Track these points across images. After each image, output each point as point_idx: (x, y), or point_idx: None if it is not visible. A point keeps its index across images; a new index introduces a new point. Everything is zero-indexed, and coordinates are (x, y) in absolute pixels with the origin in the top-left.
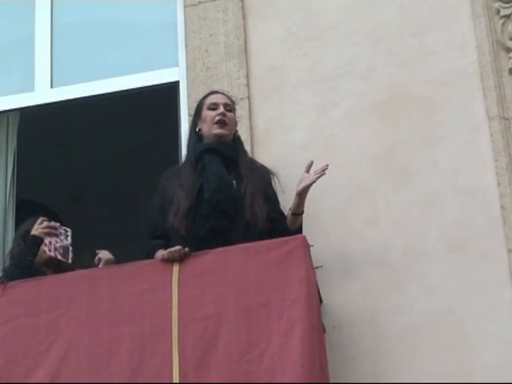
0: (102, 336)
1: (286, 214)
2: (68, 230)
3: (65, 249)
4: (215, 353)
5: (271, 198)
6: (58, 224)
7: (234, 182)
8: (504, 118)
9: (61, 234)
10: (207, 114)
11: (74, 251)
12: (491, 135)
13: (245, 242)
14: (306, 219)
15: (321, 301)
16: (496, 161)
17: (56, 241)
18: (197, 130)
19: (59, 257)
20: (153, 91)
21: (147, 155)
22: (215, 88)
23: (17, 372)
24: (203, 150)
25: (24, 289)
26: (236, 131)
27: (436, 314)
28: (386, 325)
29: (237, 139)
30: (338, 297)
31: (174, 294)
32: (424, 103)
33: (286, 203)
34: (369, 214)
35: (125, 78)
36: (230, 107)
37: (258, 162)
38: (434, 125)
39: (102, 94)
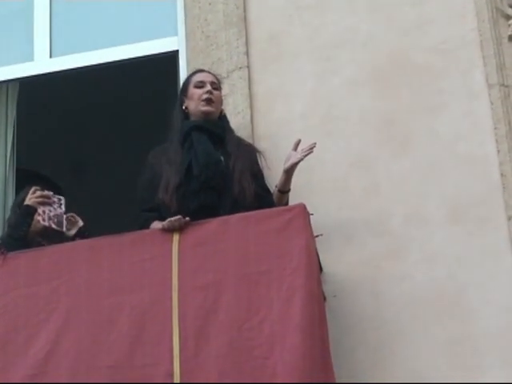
0: (103, 305)
1: (272, 191)
2: (61, 198)
3: (59, 217)
4: (215, 321)
5: (258, 176)
6: (51, 193)
7: (222, 158)
8: (503, 85)
9: (54, 202)
10: (194, 91)
11: (67, 219)
12: (491, 103)
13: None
14: (306, 188)
15: (321, 269)
16: (496, 128)
17: (50, 210)
18: (183, 107)
19: (53, 226)
20: (152, 60)
21: (147, 124)
22: (215, 57)
23: (17, 341)
24: (191, 127)
25: (24, 259)
26: (222, 109)
27: (436, 282)
28: (386, 293)
29: (223, 117)
30: (339, 265)
31: (174, 263)
32: (423, 71)
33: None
34: (369, 183)
35: (124, 48)
36: (217, 85)
37: (244, 141)
38: (434, 93)
39: (102, 64)
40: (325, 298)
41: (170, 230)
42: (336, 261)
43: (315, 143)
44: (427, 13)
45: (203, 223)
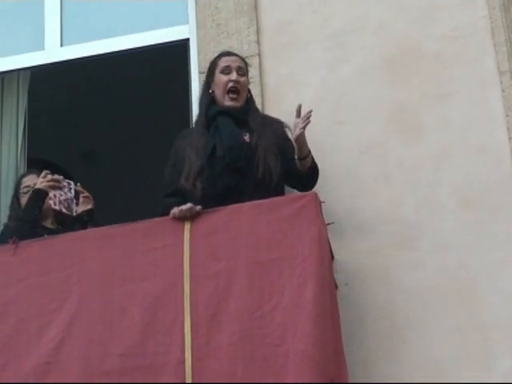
0: (114, 293)
1: None
2: (71, 182)
3: (69, 202)
4: (227, 308)
5: (286, 151)
6: (62, 177)
7: (247, 135)
8: None
9: (64, 186)
10: (220, 78)
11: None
12: (502, 90)
13: (257, 200)
14: (318, 176)
15: (332, 257)
16: (507, 116)
17: (60, 194)
18: (210, 91)
19: (64, 210)
20: (163, 49)
21: (158, 113)
22: (225, 45)
23: (30, 330)
24: (216, 113)
25: (36, 248)
26: (248, 91)
27: (448, 270)
28: (398, 281)
29: (249, 99)
30: (350, 253)
31: (185, 251)
32: (434, 59)
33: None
34: (380, 171)
35: (135, 36)
36: (243, 71)
37: (270, 117)
38: (445, 80)
39: (112, 52)
40: (336, 286)
41: (181, 219)
42: (347, 249)
43: (311, 110)
44: (438, 0)
45: (215, 211)
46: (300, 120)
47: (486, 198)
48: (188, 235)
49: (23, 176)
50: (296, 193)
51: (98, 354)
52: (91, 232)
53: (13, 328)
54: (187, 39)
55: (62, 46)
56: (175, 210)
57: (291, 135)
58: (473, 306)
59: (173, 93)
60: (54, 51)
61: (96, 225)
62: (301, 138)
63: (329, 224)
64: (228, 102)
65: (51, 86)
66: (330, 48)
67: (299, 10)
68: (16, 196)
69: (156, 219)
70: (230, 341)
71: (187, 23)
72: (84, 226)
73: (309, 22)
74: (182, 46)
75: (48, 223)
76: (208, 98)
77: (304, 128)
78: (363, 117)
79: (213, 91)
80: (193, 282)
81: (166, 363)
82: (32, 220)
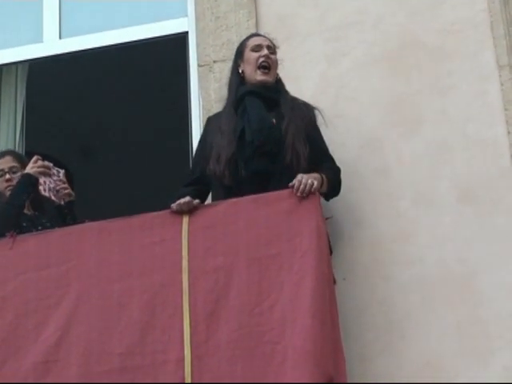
0: (113, 289)
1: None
2: (60, 171)
3: (57, 190)
4: (226, 304)
5: (314, 138)
6: (51, 164)
7: (274, 120)
8: None
9: (54, 174)
10: (251, 55)
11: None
12: (501, 84)
13: (282, 185)
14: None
15: (331, 251)
16: (506, 110)
17: (50, 181)
18: (240, 71)
19: (53, 197)
20: (162, 42)
21: (157, 106)
22: (224, 38)
23: (27, 326)
24: (244, 93)
25: (33, 242)
26: (277, 74)
27: (447, 264)
28: (396, 275)
29: (278, 81)
30: (348, 248)
31: (183, 245)
32: (434, 52)
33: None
34: (379, 164)
35: (134, 29)
36: (273, 50)
37: (299, 100)
38: (444, 74)
39: (111, 45)
40: (334, 281)
41: (179, 213)
42: (346, 243)
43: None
44: None
45: (213, 206)
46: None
47: (485, 191)
48: (186, 229)
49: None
50: None
51: (97, 352)
52: (89, 226)
53: (11, 323)
54: (186, 32)
55: (60, 38)
56: (173, 204)
57: (320, 120)
58: (472, 301)
59: (172, 86)
60: (52, 44)
61: (75, 218)
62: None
63: (327, 218)
64: (260, 77)
65: (49, 78)
66: (329, 41)
67: (298, 3)
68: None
69: (154, 213)
70: (229, 338)
71: (186, 16)
72: (63, 219)
73: (308, 14)
74: (180, 39)
75: (26, 209)
76: (238, 78)
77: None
78: (362, 110)
79: (243, 71)
80: (191, 278)
81: (165, 361)
82: (20, 205)
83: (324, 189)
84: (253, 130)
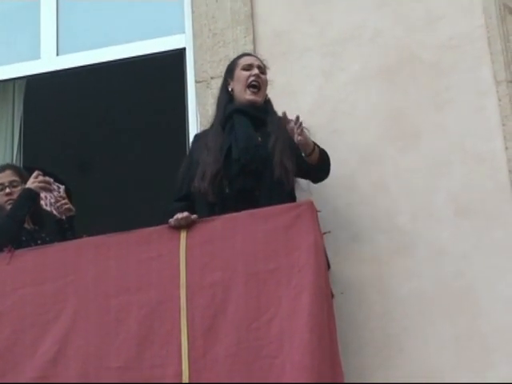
0: (110, 304)
1: None
2: (61, 186)
3: (58, 205)
4: (224, 320)
5: (300, 155)
6: (52, 179)
7: (260, 139)
8: (511, 81)
9: (54, 189)
10: (241, 73)
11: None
12: (499, 99)
13: (272, 202)
14: (314, 184)
15: (329, 266)
16: (503, 125)
17: (50, 196)
18: (229, 89)
19: (54, 212)
20: (159, 58)
21: (154, 122)
22: (222, 55)
23: (25, 342)
24: (233, 111)
25: (31, 257)
26: (266, 94)
27: (445, 278)
28: (394, 290)
29: (267, 102)
30: (346, 262)
31: (181, 260)
32: (431, 68)
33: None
34: (377, 179)
35: (131, 45)
36: (263, 70)
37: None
38: (442, 89)
39: (109, 62)
40: (332, 296)
41: (177, 228)
42: (344, 258)
43: (298, 116)
44: (435, 9)
45: (211, 220)
46: (294, 126)
47: (483, 206)
48: (184, 244)
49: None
50: (292, 202)
51: (95, 367)
52: (86, 241)
53: (8, 338)
54: (183, 48)
55: (57, 55)
56: (171, 219)
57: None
58: (470, 314)
59: (169, 102)
60: (49, 60)
61: (75, 233)
62: (302, 141)
63: (325, 233)
64: (249, 96)
65: (47, 95)
66: (326, 56)
67: (296, 19)
68: None
69: (151, 228)
70: (227, 352)
71: (184, 32)
72: (63, 233)
73: (305, 30)
74: (178, 56)
75: (25, 223)
76: (226, 96)
77: (301, 134)
78: (360, 125)
79: (232, 89)
80: (189, 293)
81: (163, 376)
82: (20, 219)
83: (315, 156)
84: (239, 148)
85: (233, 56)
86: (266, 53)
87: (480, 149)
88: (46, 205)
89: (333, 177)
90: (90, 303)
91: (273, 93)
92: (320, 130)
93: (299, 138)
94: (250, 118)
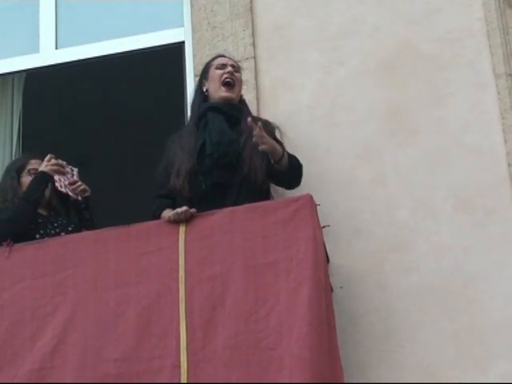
0: (109, 297)
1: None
2: (74, 169)
3: (73, 187)
4: (222, 312)
5: None
6: (65, 162)
7: (235, 136)
8: (510, 75)
9: (68, 172)
10: (215, 72)
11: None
12: (498, 93)
13: (244, 197)
14: (313, 178)
15: (328, 260)
16: (503, 118)
17: (64, 179)
18: (204, 89)
19: (70, 193)
20: (158, 52)
21: (153, 116)
22: (221, 48)
23: (24, 334)
24: (207, 108)
25: (30, 250)
26: (241, 95)
27: (444, 273)
28: (393, 284)
29: (242, 101)
30: (346, 256)
31: (180, 254)
32: (430, 61)
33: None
34: (376, 173)
35: (130, 39)
36: (237, 69)
37: (261, 119)
38: (441, 83)
39: (107, 55)
40: (332, 290)
41: (176, 222)
42: (343, 252)
43: (258, 123)
44: (434, 2)
45: (210, 214)
46: (254, 135)
47: (482, 200)
48: (183, 238)
49: (31, 158)
50: (291, 195)
51: (93, 359)
52: (85, 235)
53: (7, 332)
54: (182, 42)
55: (56, 48)
56: (170, 213)
57: (280, 137)
58: (469, 309)
59: (168, 95)
60: (48, 54)
61: (91, 213)
62: (266, 150)
63: (324, 227)
64: (224, 93)
65: (46, 88)
66: (325, 50)
67: (295, 13)
68: (18, 176)
69: (151, 222)
70: (225, 345)
71: (182, 26)
72: (80, 213)
73: (304, 24)
74: (177, 49)
75: (41, 209)
76: (201, 97)
77: (264, 142)
78: (359, 119)
79: (207, 90)
80: (188, 286)
81: (161, 367)
82: (34, 201)
83: (284, 162)
84: (213, 142)
85: (232, 50)
86: (264, 46)
87: (479, 142)
88: (61, 187)
89: (332, 171)
90: (89, 296)
91: (272, 86)
92: (319, 124)
93: (263, 146)
94: (224, 115)
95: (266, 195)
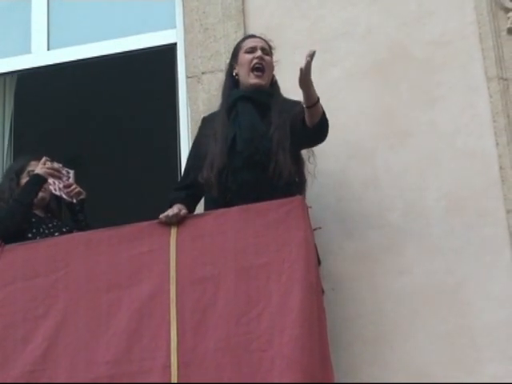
0: (101, 299)
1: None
2: (70, 171)
3: (68, 189)
4: (213, 313)
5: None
6: (61, 165)
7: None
8: (502, 78)
9: (63, 175)
10: (244, 57)
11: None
12: (490, 96)
13: (269, 195)
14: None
15: (319, 262)
16: (494, 121)
17: (59, 182)
18: (234, 74)
19: (64, 196)
20: (150, 53)
21: (144, 117)
22: (213, 50)
23: (15, 336)
24: (237, 98)
25: (21, 252)
26: (273, 76)
27: (435, 275)
28: (385, 286)
29: (274, 84)
30: (337, 258)
31: (172, 255)
32: (422, 64)
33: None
34: (368, 175)
35: (122, 40)
36: (268, 51)
37: (289, 101)
38: (433, 86)
39: (100, 57)
40: (323, 292)
41: (167, 223)
42: (334, 254)
43: (314, 51)
44: (426, 5)
45: (201, 216)
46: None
47: (474, 202)
48: (174, 239)
49: (31, 160)
50: (283, 198)
51: (85, 361)
52: (76, 236)
53: None
54: (175, 43)
55: (48, 49)
56: (162, 215)
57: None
58: (460, 311)
59: (160, 97)
60: (40, 55)
61: (86, 215)
62: (305, 82)
63: (316, 229)
64: (253, 80)
65: (38, 89)
66: (318, 52)
67: (287, 14)
68: (17, 177)
69: (142, 223)
70: (216, 346)
71: (175, 27)
72: (74, 216)
73: (297, 26)
74: (169, 51)
75: (38, 211)
76: (231, 81)
77: (307, 65)
78: (351, 121)
79: (237, 74)
80: (179, 287)
81: (151, 368)
82: (27, 204)
83: (317, 111)
84: (243, 139)
85: (224, 51)
86: None
87: (471, 145)
88: (56, 190)
89: (324, 173)
90: (81, 298)
91: None
92: None
93: (302, 70)
94: (254, 104)
95: (290, 190)
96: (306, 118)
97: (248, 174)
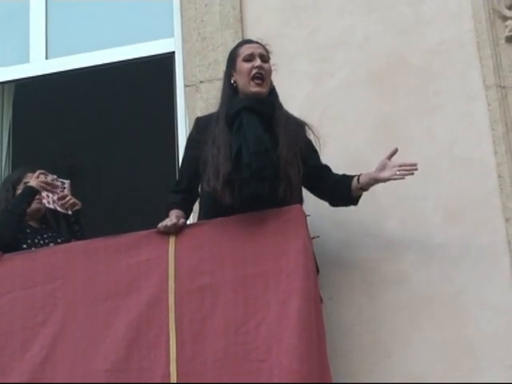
0: (99, 308)
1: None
2: (65, 182)
3: (62, 201)
4: (212, 324)
5: (310, 155)
6: (55, 176)
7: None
8: (501, 86)
9: (58, 187)
10: (243, 66)
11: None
12: (488, 104)
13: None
14: (304, 189)
15: (318, 271)
16: (493, 130)
17: (53, 194)
18: (232, 81)
19: (58, 208)
20: (148, 62)
21: (143, 126)
22: (211, 58)
23: (14, 345)
24: (240, 109)
25: (20, 261)
26: (271, 82)
27: (433, 284)
28: (383, 295)
29: (272, 91)
30: (335, 267)
31: (170, 265)
32: (420, 72)
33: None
34: None
35: (120, 49)
36: (266, 57)
37: (291, 117)
38: (431, 94)
39: (98, 65)
40: (321, 301)
41: (166, 232)
42: (333, 263)
43: (416, 164)
44: (424, 14)
45: (200, 225)
46: (397, 166)
47: (472, 211)
48: (173, 249)
49: (28, 171)
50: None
51: (83, 370)
52: (74, 245)
53: None
54: (173, 52)
55: (47, 58)
56: (160, 224)
57: (313, 137)
58: (458, 320)
59: (158, 106)
60: (39, 64)
61: (81, 226)
62: (382, 181)
63: (314, 238)
64: (254, 88)
65: (36, 98)
66: (315, 61)
67: (285, 23)
68: (13, 189)
69: (140, 232)
70: (215, 356)
71: (173, 36)
72: (70, 227)
73: (294, 34)
74: (167, 59)
75: (33, 222)
76: (230, 88)
77: (398, 177)
78: (349, 130)
79: (235, 81)
80: (177, 297)
81: (150, 378)
82: (19, 213)
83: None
84: (250, 152)
85: (222, 60)
86: None
87: (469, 154)
88: (49, 203)
89: None
90: (79, 307)
91: None
92: (308, 135)
93: (394, 177)
94: (257, 115)
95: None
96: (341, 185)
97: (257, 187)
